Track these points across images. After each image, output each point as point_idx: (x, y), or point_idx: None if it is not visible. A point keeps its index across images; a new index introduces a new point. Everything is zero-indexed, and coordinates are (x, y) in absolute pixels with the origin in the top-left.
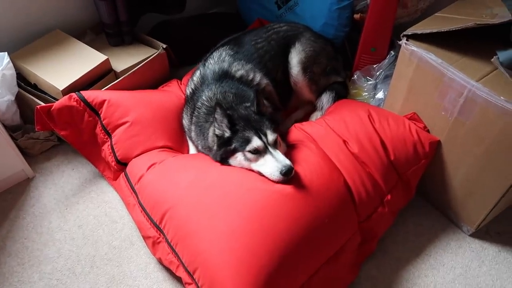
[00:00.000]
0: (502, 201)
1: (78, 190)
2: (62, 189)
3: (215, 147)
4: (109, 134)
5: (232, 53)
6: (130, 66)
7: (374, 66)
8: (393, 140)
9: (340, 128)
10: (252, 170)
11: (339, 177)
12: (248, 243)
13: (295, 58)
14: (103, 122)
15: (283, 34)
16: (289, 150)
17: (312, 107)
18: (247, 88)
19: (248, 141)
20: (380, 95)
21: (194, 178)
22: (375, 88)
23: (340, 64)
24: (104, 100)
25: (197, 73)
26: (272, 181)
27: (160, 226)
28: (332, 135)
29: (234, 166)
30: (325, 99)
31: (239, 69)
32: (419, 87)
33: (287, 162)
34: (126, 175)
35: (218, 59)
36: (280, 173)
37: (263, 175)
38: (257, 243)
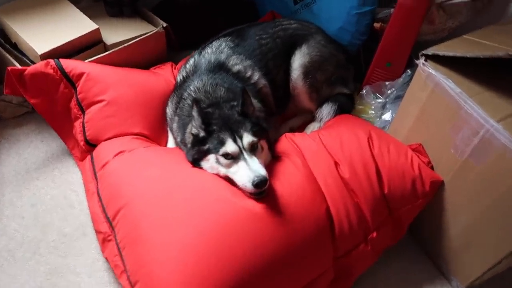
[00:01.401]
0: (504, 261)
1: (42, 165)
2: (25, 161)
3: (189, 145)
4: (83, 110)
5: (233, 45)
6: (123, 41)
7: (387, 83)
8: (391, 170)
9: (334, 147)
10: (226, 177)
11: (322, 203)
12: (201, 263)
13: (298, 61)
14: (79, 97)
15: (292, 32)
16: (273, 161)
17: (311, 117)
18: (242, 85)
19: (222, 143)
20: (387, 116)
21: (159, 176)
22: (383, 107)
23: (350, 75)
24: (83, 73)
25: (191, 60)
26: (245, 194)
27: (112, 222)
28: (324, 153)
29: (205, 170)
30: (326, 110)
31: (237, 64)
32: (430, 116)
33: (262, 172)
34: (92, 158)
35: (216, 50)
36: (252, 183)
37: (236, 185)
38: (212, 264)
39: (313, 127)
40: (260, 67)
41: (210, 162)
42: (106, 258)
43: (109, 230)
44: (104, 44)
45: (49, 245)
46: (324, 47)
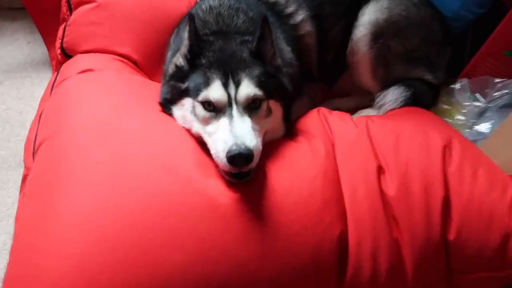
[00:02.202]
0: None
1: (16, 68)
2: (1, 58)
3: (166, 79)
4: (71, 10)
5: None
6: None
7: (496, 80)
8: (469, 207)
9: (385, 144)
10: (199, 139)
11: (337, 222)
12: (108, 260)
13: (369, 15)
14: None
15: None
16: (284, 140)
17: (368, 102)
18: (273, 20)
19: (206, 84)
20: (483, 127)
21: (113, 113)
22: (481, 114)
23: (442, 58)
24: None
25: None
26: (219, 172)
27: (35, 155)
28: (366, 149)
29: (175, 121)
30: (392, 95)
31: None
32: None
33: (247, 141)
34: (58, 71)
35: None
36: (226, 154)
37: (210, 155)
38: (124, 265)
39: (366, 113)
40: (310, 7)
41: (184, 110)
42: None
43: (31, 165)
44: None
45: None
46: (415, 8)
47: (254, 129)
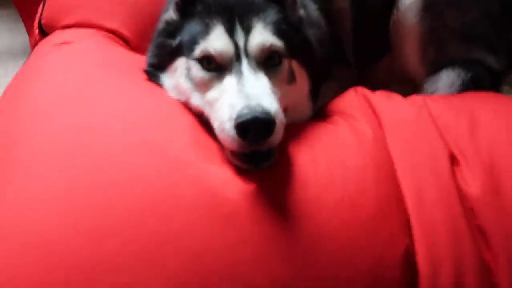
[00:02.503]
0: None
1: None
2: None
3: (154, 38)
4: None
5: None
6: None
7: None
8: None
9: (456, 128)
10: (198, 114)
11: (399, 236)
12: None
13: None
14: None
15: None
16: (312, 123)
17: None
18: None
19: (203, 33)
20: None
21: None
22: None
23: (503, 40)
24: None
25: None
26: (225, 153)
27: None
28: (429, 132)
29: (165, 93)
30: (447, 79)
31: None
32: None
33: (263, 102)
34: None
35: None
36: (235, 122)
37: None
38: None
39: None
40: None
41: (176, 76)
42: None
43: None
44: None
45: None
46: None
47: (269, 90)
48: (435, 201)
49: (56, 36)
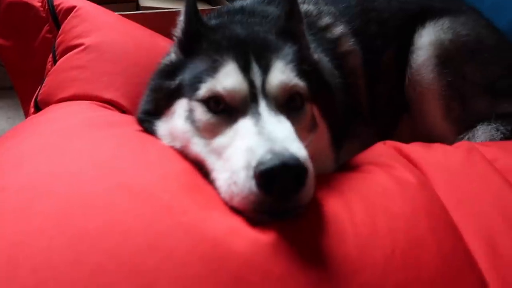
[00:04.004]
0: None
1: None
2: None
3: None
4: (55, 62)
5: None
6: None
7: None
8: None
9: None
10: (200, 164)
11: None
12: None
13: (428, 36)
14: (56, 41)
15: (423, 2)
16: (339, 173)
17: None
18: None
19: (210, 71)
20: None
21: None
22: None
23: None
24: (73, 7)
25: None
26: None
27: None
28: (488, 175)
29: (155, 141)
30: (483, 133)
31: (308, 2)
32: None
33: (290, 146)
34: None
35: None
36: (256, 169)
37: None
38: None
39: None
40: (351, 21)
41: (173, 121)
42: None
43: None
44: (138, 4)
45: None
46: (486, 29)
47: (294, 134)
48: None
49: (48, 108)
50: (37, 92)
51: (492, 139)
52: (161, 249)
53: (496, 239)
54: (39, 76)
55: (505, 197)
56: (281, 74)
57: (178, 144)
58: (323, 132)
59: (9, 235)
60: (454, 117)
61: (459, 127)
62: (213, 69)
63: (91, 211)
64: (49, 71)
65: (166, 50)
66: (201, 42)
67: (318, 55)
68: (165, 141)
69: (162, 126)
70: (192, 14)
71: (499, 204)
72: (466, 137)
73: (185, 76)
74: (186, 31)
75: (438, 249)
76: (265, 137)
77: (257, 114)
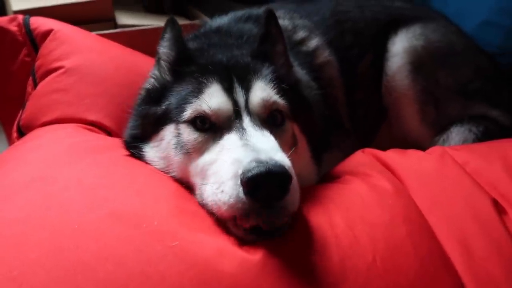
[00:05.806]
0: None
1: None
2: None
3: (135, 107)
4: (35, 85)
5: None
6: (138, 25)
7: None
8: None
9: (489, 173)
10: (186, 184)
11: None
12: None
13: (402, 43)
14: (35, 64)
15: (393, 10)
16: (320, 185)
17: None
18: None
19: (196, 92)
20: None
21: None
22: None
23: (502, 95)
24: (50, 30)
25: None
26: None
27: None
28: (459, 178)
29: (142, 165)
30: (458, 134)
31: (283, 18)
32: None
33: (275, 155)
34: None
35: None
36: (243, 177)
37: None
38: None
39: None
40: (326, 34)
41: (162, 146)
42: None
43: None
44: (115, 23)
45: None
46: (454, 35)
47: (277, 147)
48: (486, 253)
49: (32, 134)
50: (19, 117)
51: (465, 140)
52: (153, 275)
53: (469, 240)
54: (20, 100)
55: (475, 200)
56: (262, 91)
57: (167, 168)
58: (303, 148)
59: (8, 269)
60: (429, 121)
61: (435, 130)
62: (198, 91)
63: (84, 241)
64: (29, 94)
65: (147, 68)
66: (185, 66)
67: (296, 69)
68: (154, 165)
69: (151, 152)
70: (179, 39)
71: (471, 206)
72: (441, 139)
73: (172, 100)
74: (173, 56)
75: (416, 252)
76: (250, 148)
77: (241, 129)
